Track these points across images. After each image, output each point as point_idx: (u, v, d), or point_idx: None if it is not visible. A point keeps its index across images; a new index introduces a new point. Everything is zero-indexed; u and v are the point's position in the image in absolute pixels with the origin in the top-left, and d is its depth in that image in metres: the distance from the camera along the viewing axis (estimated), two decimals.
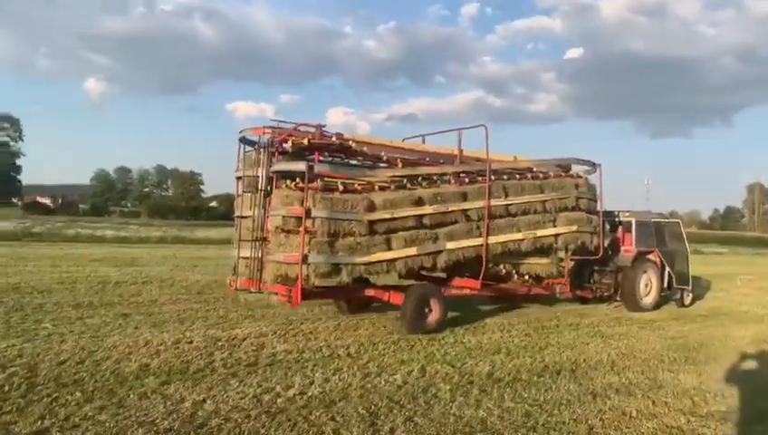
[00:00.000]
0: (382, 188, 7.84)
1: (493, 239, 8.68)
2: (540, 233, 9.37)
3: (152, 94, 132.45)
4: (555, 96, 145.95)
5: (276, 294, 7.85)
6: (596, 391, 5.61)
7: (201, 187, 76.90)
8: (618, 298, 11.65)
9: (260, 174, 7.62)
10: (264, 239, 7.63)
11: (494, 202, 8.77)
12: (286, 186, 7.49)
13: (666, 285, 11.82)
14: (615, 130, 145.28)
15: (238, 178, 8.58)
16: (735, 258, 35.42)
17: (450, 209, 8.28)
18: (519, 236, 9.10)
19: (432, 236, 8.05)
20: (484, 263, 8.62)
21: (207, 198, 76.27)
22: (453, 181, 8.63)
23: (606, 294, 11.71)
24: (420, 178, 8.28)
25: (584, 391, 5.61)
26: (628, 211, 12.13)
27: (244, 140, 8.52)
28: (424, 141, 10.11)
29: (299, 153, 8.08)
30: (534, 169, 9.83)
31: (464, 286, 9.11)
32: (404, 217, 7.76)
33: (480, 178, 8.82)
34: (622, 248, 11.65)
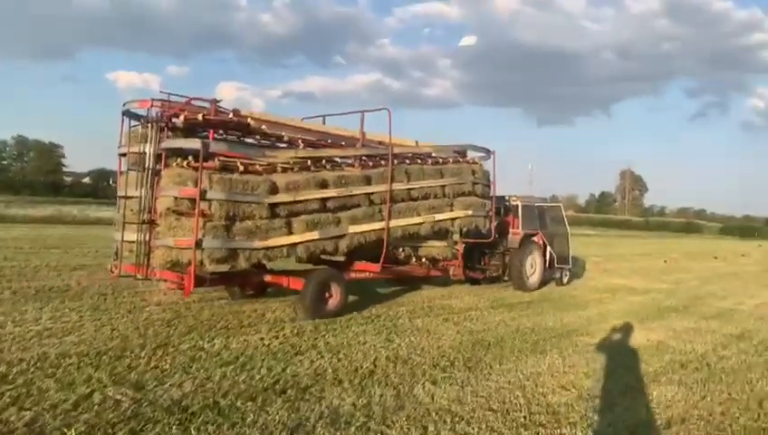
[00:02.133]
0: (284, 170, 7.47)
1: (394, 223, 8.67)
2: (438, 217, 9.54)
3: (22, 59, 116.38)
4: (450, 82, 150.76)
5: (166, 281, 7.25)
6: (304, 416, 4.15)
7: (62, 160, 68.95)
8: (506, 278, 12.30)
9: (148, 151, 6.92)
10: (152, 222, 6.96)
11: (396, 186, 8.75)
12: (177, 164, 6.87)
13: (548, 264, 12.66)
14: (506, 118, 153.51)
15: (122, 155, 7.77)
16: (599, 240, 38.64)
17: (353, 193, 8.12)
18: (419, 219, 9.19)
19: (335, 220, 7.86)
20: (385, 246, 8.60)
21: (76, 173, 68.95)
22: (356, 165, 8.46)
23: (495, 274, 12.31)
24: (324, 161, 8.01)
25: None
26: (514, 196, 12.74)
27: (128, 114, 7.71)
28: (324, 122, 9.81)
29: (190, 130, 7.48)
30: (434, 155, 9.95)
31: (364, 270, 9.05)
32: (307, 201, 7.47)
33: (383, 163, 8.75)
34: (510, 231, 12.25)
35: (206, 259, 6.64)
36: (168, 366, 5.17)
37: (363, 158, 8.64)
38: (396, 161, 8.92)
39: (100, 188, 58.70)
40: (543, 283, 12.52)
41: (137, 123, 7.60)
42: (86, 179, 67.07)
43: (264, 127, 7.49)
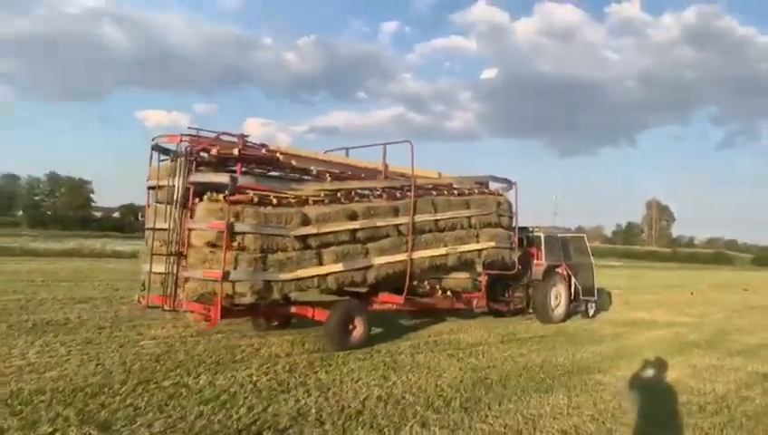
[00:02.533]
0: (315, 202, 7.58)
1: (418, 254, 8.67)
2: (463, 248, 9.51)
3: (56, 100, 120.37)
4: (471, 114, 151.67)
5: (192, 312, 7.32)
6: None
7: (91, 195, 70.47)
8: (530, 311, 12.12)
9: (177, 184, 7.09)
10: (180, 254, 7.08)
11: (420, 217, 8.77)
12: (210, 198, 7.01)
13: (572, 296, 12.45)
14: (526, 149, 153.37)
15: (150, 188, 7.96)
16: (624, 272, 37.56)
17: (379, 224, 8.17)
18: (444, 250, 9.17)
19: (363, 252, 7.91)
20: (408, 278, 8.59)
21: (106, 208, 70.40)
22: (382, 196, 8.54)
23: (519, 306, 12.15)
24: (352, 193, 8.11)
25: None
26: (537, 226, 12.65)
27: (157, 148, 7.91)
28: (347, 154, 9.96)
29: (218, 164, 7.65)
30: (457, 186, 9.99)
31: (388, 302, 9.02)
32: (335, 232, 7.55)
33: (408, 194, 8.81)
34: (533, 263, 12.12)
35: (238, 291, 6.72)
36: (143, 404, 4.96)
37: (387, 189, 8.70)
38: (420, 192, 8.97)
39: (127, 222, 59.97)
40: (568, 315, 12.29)
41: (165, 158, 7.81)
42: (116, 214, 68.43)
43: (292, 161, 7.62)
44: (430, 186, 9.51)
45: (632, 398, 6.08)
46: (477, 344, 8.76)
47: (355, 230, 7.87)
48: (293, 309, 8.07)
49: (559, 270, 12.33)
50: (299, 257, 7.17)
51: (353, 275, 7.80)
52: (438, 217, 9.17)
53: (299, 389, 5.76)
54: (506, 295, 12.23)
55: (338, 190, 7.90)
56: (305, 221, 7.26)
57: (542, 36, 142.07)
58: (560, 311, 12.01)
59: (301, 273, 7.19)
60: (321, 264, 7.41)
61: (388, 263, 8.25)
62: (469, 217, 9.76)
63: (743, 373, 7.65)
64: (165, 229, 7.29)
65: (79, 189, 68.54)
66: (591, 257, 13.36)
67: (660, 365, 7.85)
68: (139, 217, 8.56)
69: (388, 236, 8.35)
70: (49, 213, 65.05)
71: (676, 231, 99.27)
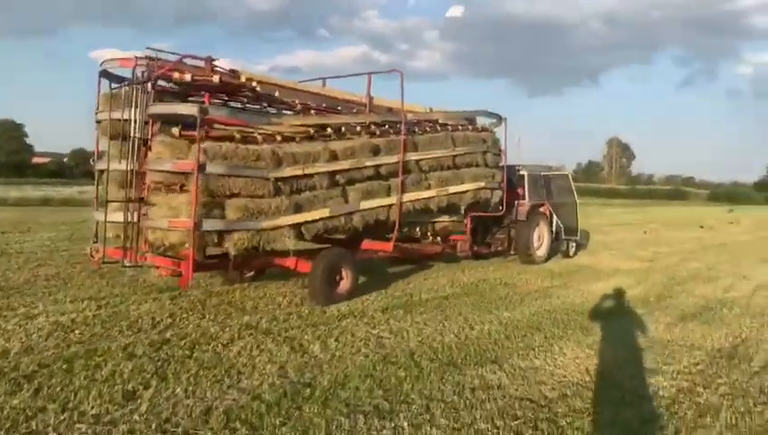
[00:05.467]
0: (287, 140, 6.64)
1: (407, 197, 7.95)
2: (451, 190, 8.84)
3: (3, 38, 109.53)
4: (438, 54, 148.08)
5: (158, 267, 6.48)
6: None
7: (25, 139, 65.36)
8: (512, 252, 11.74)
9: (134, 117, 6.03)
10: (141, 199, 6.14)
11: (408, 157, 7.99)
12: (171, 133, 6.00)
13: (554, 236, 12.12)
14: (494, 88, 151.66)
15: (99, 123, 6.86)
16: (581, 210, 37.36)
17: (368, 164, 7.35)
18: (431, 193, 8.48)
19: (345, 196, 7.11)
20: (397, 223, 7.90)
21: (52, 153, 65.95)
22: (363, 133, 7.66)
23: (500, 248, 11.74)
24: (330, 130, 7.19)
25: None
26: (520, 165, 12.10)
27: (106, 75, 6.77)
28: (324, 85, 8.94)
29: (178, 95, 6.60)
30: (445, 122, 9.18)
31: (375, 249, 8.36)
32: (321, 174, 6.70)
33: (393, 131, 7.96)
34: (516, 203, 11.63)
35: (206, 242, 5.88)
36: None
37: (372, 125, 7.82)
38: (408, 129, 8.14)
39: (67, 168, 56.66)
40: (549, 255, 11.93)
41: (116, 86, 6.70)
42: (65, 159, 64.45)
43: (274, 92, 6.62)
44: (419, 122, 8.67)
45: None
46: (360, 314, 6.51)
47: (341, 171, 7.05)
48: (273, 260, 7.27)
49: (542, 209, 11.92)
50: (269, 204, 6.31)
51: (340, 220, 7.04)
52: (422, 157, 8.39)
53: None
54: (487, 237, 11.78)
55: (323, 126, 6.97)
56: (279, 162, 6.36)
57: None
58: (542, 251, 11.72)
59: (282, 220, 6.37)
60: (304, 210, 6.59)
61: (377, 207, 7.52)
62: (454, 157, 9.02)
63: (697, 354, 5.38)
64: (119, 171, 6.31)
65: (11, 133, 63.57)
66: (575, 196, 12.95)
67: (582, 344, 5.61)
68: (91, 162, 7.43)
69: (370, 178, 7.56)
70: None
71: (635, 169, 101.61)
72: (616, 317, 7.09)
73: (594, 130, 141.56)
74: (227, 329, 5.63)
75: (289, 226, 6.39)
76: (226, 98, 6.90)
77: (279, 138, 6.47)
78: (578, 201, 13.02)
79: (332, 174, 6.91)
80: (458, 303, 7.41)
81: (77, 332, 5.33)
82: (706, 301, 8.15)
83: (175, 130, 6.05)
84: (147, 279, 7.74)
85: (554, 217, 12.09)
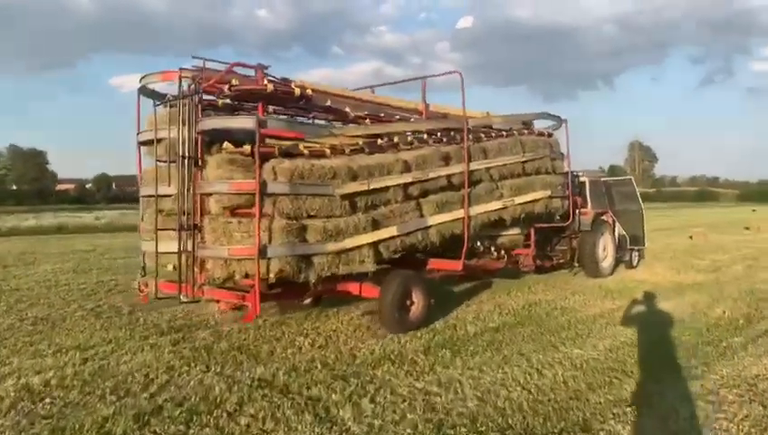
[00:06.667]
0: (355, 152, 5.91)
1: (481, 208, 7.16)
2: (519, 200, 8.02)
3: (21, 71, 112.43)
4: (451, 66, 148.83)
5: (218, 301, 5.75)
6: None
7: (47, 166, 66.11)
8: (576, 264, 10.85)
9: (183, 135, 5.35)
10: (196, 227, 5.43)
11: (475, 165, 7.21)
12: (225, 150, 5.31)
13: (618, 246, 11.24)
14: (513, 95, 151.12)
15: (142, 144, 6.22)
16: None
17: (432, 176, 6.58)
18: (500, 204, 7.68)
19: (420, 209, 6.36)
20: (466, 238, 7.09)
21: (75, 180, 66.75)
22: (431, 141, 6.91)
23: (562, 261, 10.86)
24: (395, 139, 6.45)
25: None
26: (580, 171, 11.28)
27: (146, 92, 6.17)
28: (373, 93, 8.24)
29: (224, 107, 5.96)
30: (508, 128, 8.40)
31: (443, 268, 7.54)
32: (387, 188, 5.94)
33: (459, 137, 7.20)
34: (578, 211, 10.77)
35: (272, 270, 5.13)
36: None
37: (436, 133, 7.07)
38: (471, 137, 7.38)
39: (89, 193, 57.21)
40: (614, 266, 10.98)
41: (159, 103, 6.08)
42: (89, 185, 65.16)
43: (328, 101, 5.91)
44: (481, 128, 7.90)
45: None
46: (361, 365, 5.10)
47: (407, 184, 6.29)
48: (338, 286, 6.49)
49: (605, 218, 11.05)
50: (347, 223, 5.58)
51: (409, 239, 6.26)
52: (492, 165, 7.62)
53: None
54: (549, 249, 10.91)
55: (386, 135, 6.24)
56: (352, 176, 5.62)
57: None
58: (607, 263, 10.85)
59: (350, 242, 5.61)
60: (372, 229, 5.83)
61: (447, 222, 6.74)
62: (523, 164, 8.23)
63: None
64: (168, 195, 5.64)
65: (34, 160, 64.52)
66: (641, 202, 12.03)
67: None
68: (138, 183, 6.75)
69: (441, 189, 6.80)
70: (14, 187, 61.56)
71: (658, 171, 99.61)
72: (712, 350, 5.57)
73: (612, 133, 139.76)
74: (236, 387, 4.42)
75: (368, 245, 5.63)
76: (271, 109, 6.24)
77: (348, 150, 5.73)
78: (644, 208, 12.06)
79: (406, 186, 6.16)
80: (513, 336, 6.07)
81: (47, 400, 4.15)
82: None
83: (229, 146, 5.37)
84: (149, 319, 6.69)
85: (617, 225, 11.24)
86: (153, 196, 5.74)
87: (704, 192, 78.98)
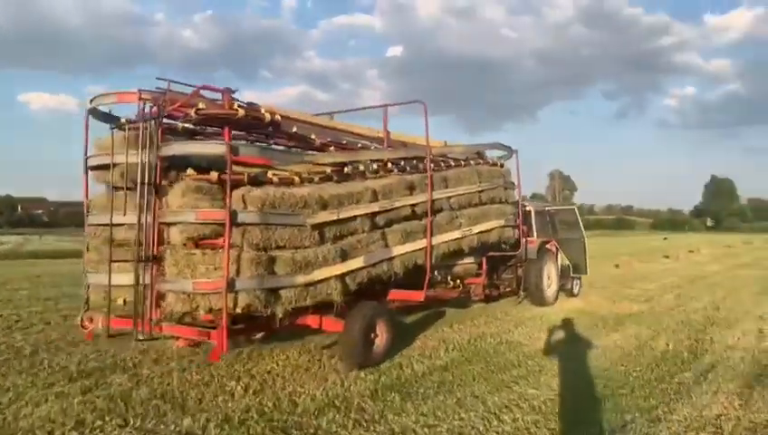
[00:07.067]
0: (322, 180, 5.76)
1: (443, 238, 7.17)
2: (476, 229, 8.13)
3: None
4: (378, 93, 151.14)
5: (177, 338, 5.36)
6: None
7: None
8: (522, 293, 11.08)
9: (143, 160, 5.01)
10: (155, 258, 5.05)
11: (441, 194, 7.25)
12: (189, 177, 5.01)
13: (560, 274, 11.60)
14: (436, 125, 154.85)
15: (92, 168, 5.78)
16: None
17: (397, 205, 6.54)
18: (459, 234, 7.74)
19: (385, 239, 6.27)
20: (428, 268, 7.06)
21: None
22: (396, 170, 6.88)
23: (508, 289, 11.07)
24: (361, 168, 6.37)
25: None
26: (525, 201, 11.64)
27: (96, 114, 5.76)
28: (332, 119, 8.16)
29: (190, 132, 5.69)
30: (465, 157, 8.54)
31: (405, 299, 7.45)
32: (358, 217, 5.82)
33: (422, 166, 7.22)
34: (525, 240, 11.06)
35: (240, 305, 4.84)
36: None
37: (406, 161, 7.07)
38: (433, 166, 7.43)
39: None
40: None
41: (113, 126, 5.69)
42: None
43: (294, 127, 5.75)
44: (439, 157, 7.99)
45: None
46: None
47: (374, 214, 6.21)
48: (300, 320, 6.23)
49: (549, 246, 11.40)
50: (315, 254, 5.39)
51: (375, 270, 6.15)
52: (452, 194, 7.70)
53: None
54: (496, 278, 11.10)
55: (353, 163, 6.14)
56: (322, 205, 5.47)
57: (445, 13, 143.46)
58: (551, 291, 11.13)
59: (318, 274, 5.42)
60: (341, 260, 5.67)
61: (410, 252, 6.68)
62: (479, 193, 8.37)
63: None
64: (123, 224, 5.24)
65: None
66: (583, 231, 12.51)
67: None
68: (85, 210, 6.13)
69: (405, 219, 6.77)
70: None
71: (577, 200, 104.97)
72: (666, 386, 5.47)
73: (535, 163, 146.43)
74: None
75: (335, 277, 5.44)
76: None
77: (317, 178, 5.58)
78: (585, 237, 12.55)
79: (373, 215, 6.06)
80: (464, 375, 5.73)
81: None
82: (753, 356, 6.67)
83: (192, 173, 5.09)
84: (54, 361, 5.88)
85: (560, 253, 11.63)
86: (104, 224, 5.30)
87: (621, 220, 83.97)
